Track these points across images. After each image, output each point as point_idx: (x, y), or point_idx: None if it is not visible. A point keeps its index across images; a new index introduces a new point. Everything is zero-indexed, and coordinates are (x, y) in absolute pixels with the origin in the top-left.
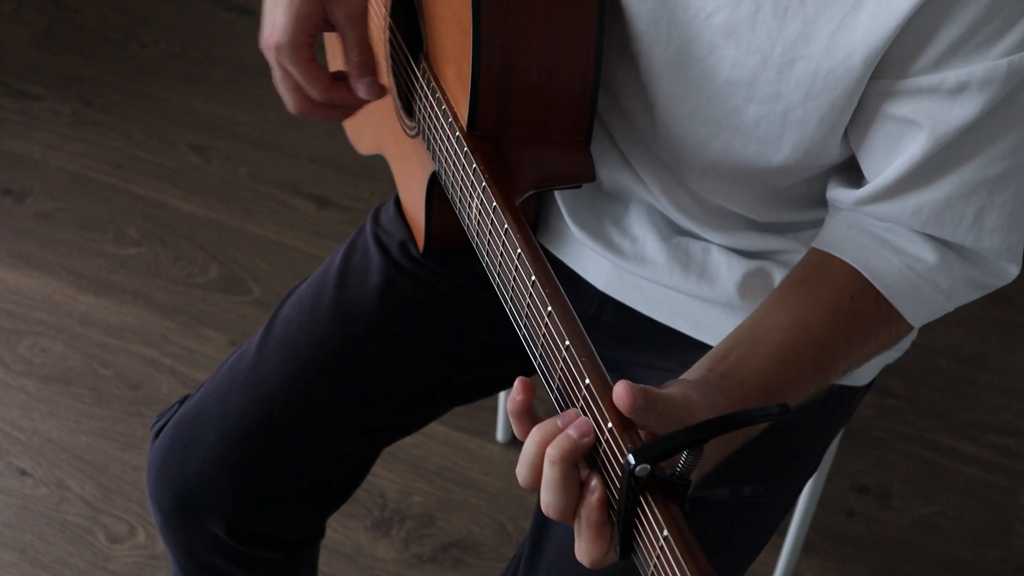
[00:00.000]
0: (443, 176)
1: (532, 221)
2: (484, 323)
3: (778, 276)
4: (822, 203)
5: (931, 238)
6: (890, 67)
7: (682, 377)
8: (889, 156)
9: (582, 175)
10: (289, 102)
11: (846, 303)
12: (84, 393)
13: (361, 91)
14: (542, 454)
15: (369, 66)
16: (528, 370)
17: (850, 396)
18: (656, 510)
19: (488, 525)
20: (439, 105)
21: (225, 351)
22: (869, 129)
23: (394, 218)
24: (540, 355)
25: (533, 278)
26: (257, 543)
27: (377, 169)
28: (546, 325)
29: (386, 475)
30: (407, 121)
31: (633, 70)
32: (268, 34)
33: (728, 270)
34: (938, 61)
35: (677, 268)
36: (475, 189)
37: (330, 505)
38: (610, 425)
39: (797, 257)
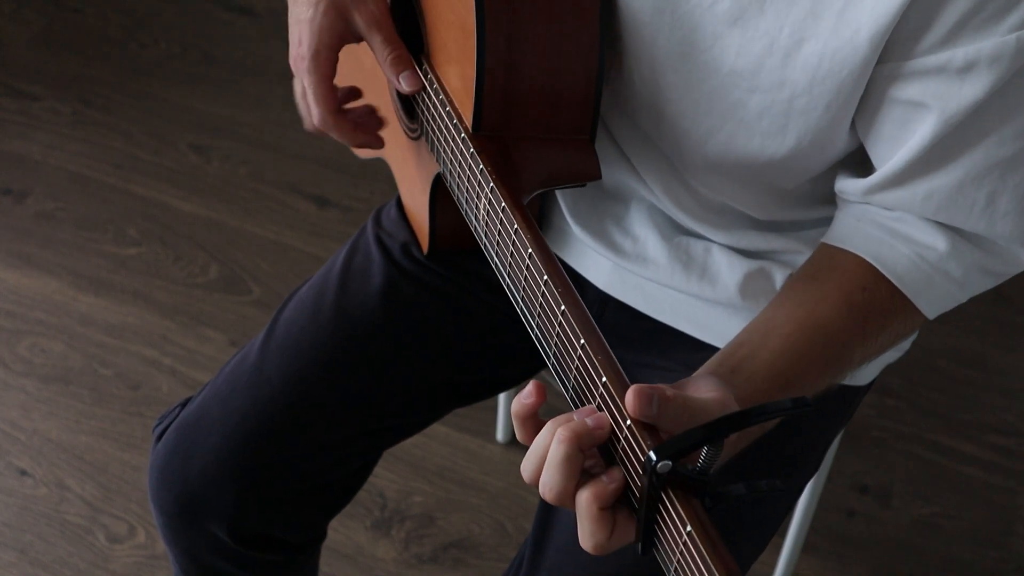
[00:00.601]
0: (448, 178)
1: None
2: (486, 324)
3: (779, 276)
4: (825, 202)
5: (942, 226)
6: (896, 48)
7: (694, 375)
8: (898, 141)
9: (587, 173)
10: (304, 118)
11: (858, 294)
12: (84, 393)
13: (404, 85)
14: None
15: (404, 60)
16: (530, 371)
17: (851, 396)
18: (679, 506)
19: (488, 525)
20: (443, 107)
21: (225, 351)
22: (877, 115)
23: (396, 219)
24: (554, 354)
25: (546, 277)
26: (259, 545)
27: (377, 169)
28: (560, 324)
29: (386, 475)
30: (408, 123)
31: (638, 62)
32: (292, 49)
33: (729, 270)
34: (945, 39)
35: (678, 268)
36: (482, 190)
37: (332, 507)
38: (629, 422)
39: (799, 257)
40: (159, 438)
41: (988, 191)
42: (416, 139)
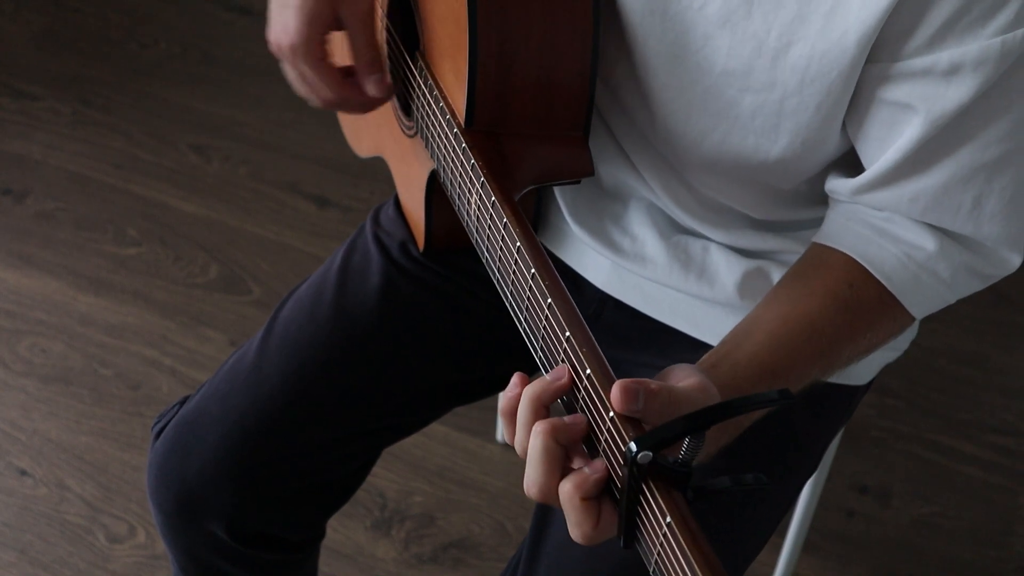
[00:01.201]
0: (442, 173)
1: (532, 220)
2: (485, 323)
3: (777, 276)
4: (823, 202)
5: (931, 227)
6: (884, 50)
7: (671, 366)
8: (886, 142)
9: (581, 170)
10: (309, 98)
11: (845, 290)
12: (84, 393)
13: (370, 89)
14: (528, 410)
15: (378, 64)
16: (529, 370)
17: (850, 396)
18: (659, 497)
19: (488, 525)
20: (436, 102)
21: (225, 351)
22: (865, 116)
23: (394, 218)
24: (541, 347)
25: (533, 271)
26: (257, 544)
27: (377, 169)
28: (546, 317)
29: (386, 475)
30: (405, 121)
31: (630, 64)
32: (279, 35)
33: (727, 269)
34: (931, 42)
35: (677, 267)
36: (473, 185)
37: (331, 506)
38: (611, 415)
39: (796, 257)
40: (157, 436)
41: (974, 194)
42: (413, 136)
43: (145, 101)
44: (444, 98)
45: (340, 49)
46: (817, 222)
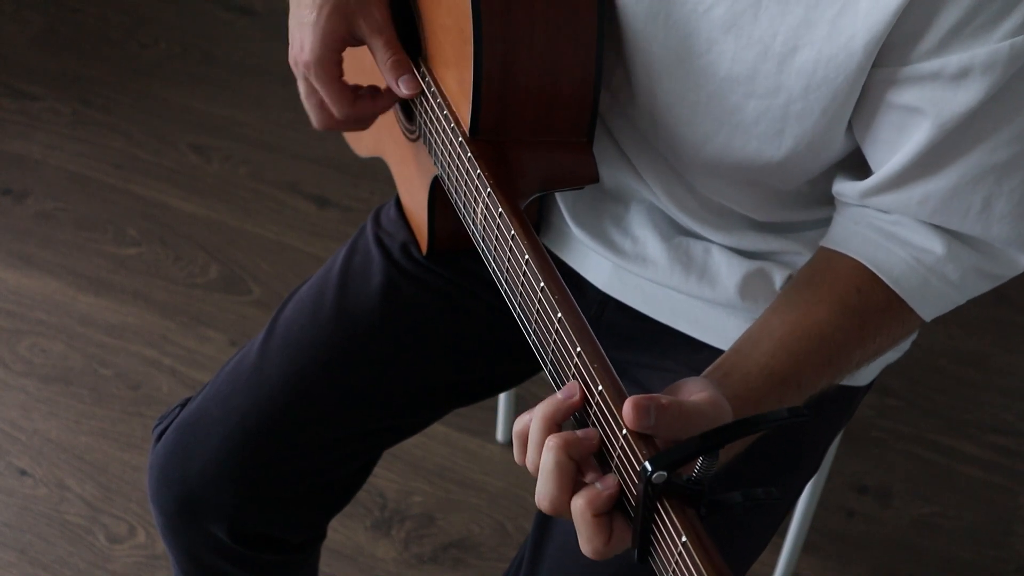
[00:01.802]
0: (446, 181)
1: (534, 222)
2: (486, 324)
3: (778, 277)
4: (824, 203)
5: (939, 229)
6: (892, 54)
7: (683, 379)
8: (894, 146)
9: (586, 176)
10: (314, 118)
11: (853, 296)
12: (84, 393)
13: (403, 88)
14: (541, 429)
15: (404, 64)
16: (530, 371)
17: (851, 396)
18: (674, 516)
19: (488, 525)
20: (440, 110)
21: (225, 351)
22: (873, 119)
23: (395, 219)
24: (551, 361)
25: (542, 284)
26: (258, 545)
27: (377, 169)
28: (557, 332)
29: (386, 475)
30: (407, 124)
31: (633, 68)
32: (297, 53)
33: (729, 271)
34: (939, 46)
35: (678, 269)
36: (480, 194)
37: (331, 507)
38: (624, 432)
39: (798, 258)
40: (159, 438)
41: (984, 195)
42: (415, 141)
43: (145, 101)
44: (448, 106)
45: (351, 67)
46: (819, 223)
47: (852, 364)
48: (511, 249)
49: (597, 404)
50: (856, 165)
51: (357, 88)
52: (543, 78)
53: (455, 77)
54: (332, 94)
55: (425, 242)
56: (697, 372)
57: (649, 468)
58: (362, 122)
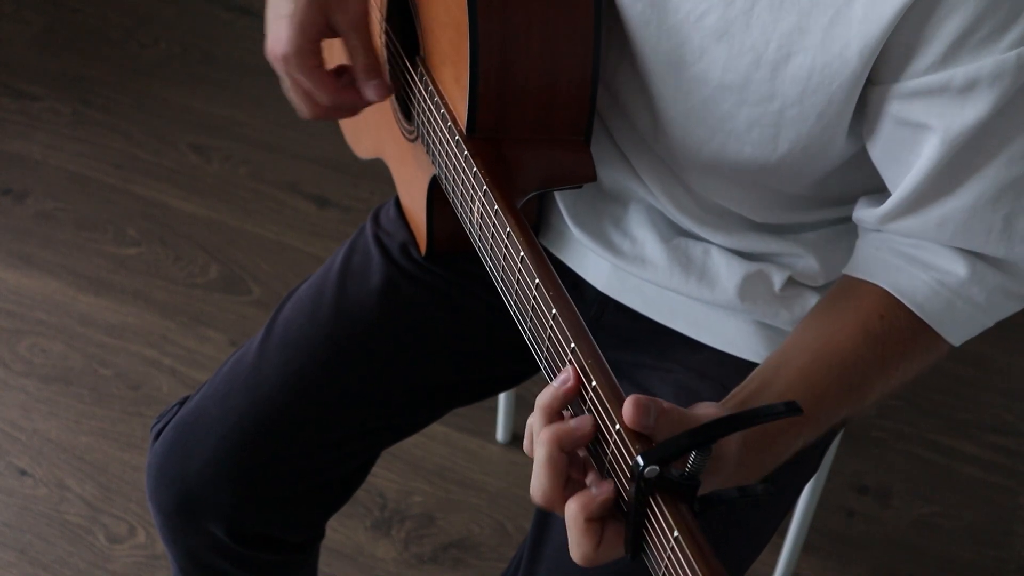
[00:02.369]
0: (444, 180)
1: (533, 222)
2: (485, 324)
3: (778, 278)
4: (825, 205)
5: (962, 251)
6: (894, 68)
7: (698, 404)
8: (907, 164)
9: (583, 175)
10: (301, 109)
11: (876, 322)
12: (84, 393)
13: (369, 94)
14: (538, 418)
15: (375, 69)
16: (529, 371)
17: None
18: (666, 511)
19: (488, 525)
20: (437, 109)
21: (225, 351)
22: (884, 139)
23: (394, 219)
24: (546, 357)
25: (537, 281)
26: (257, 544)
27: (377, 169)
28: (551, 328)
29: (386, 475)
30: (405, 125)
31: (631, 69)
32: (273, 45)
33: (728, 272)
34: (943, 58)
35: (677, 270)
36: (476, 192)
37: (330, 506)
38: (618, 427)
39: (798, 260)
40: (157, 436)
41: (1004, 214)
42: (413, 141)
43: (145, 101)
44: (445, 104)
45: (338, 52)
46: (819, 224)
47: (875, 392)
48: (507, 246)
49: (591, 399)
50: (876, 190)
51: (341, 71)
52: (540, 76)
53: (452, 75)
54: (315, 83)
55: (424, 243)
56: (697, 373)
57: (641, 462)
58: (351, 110)
